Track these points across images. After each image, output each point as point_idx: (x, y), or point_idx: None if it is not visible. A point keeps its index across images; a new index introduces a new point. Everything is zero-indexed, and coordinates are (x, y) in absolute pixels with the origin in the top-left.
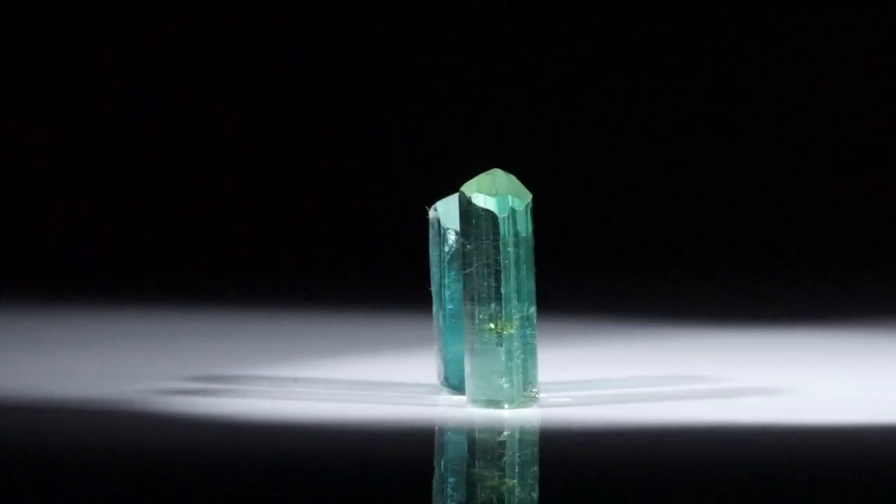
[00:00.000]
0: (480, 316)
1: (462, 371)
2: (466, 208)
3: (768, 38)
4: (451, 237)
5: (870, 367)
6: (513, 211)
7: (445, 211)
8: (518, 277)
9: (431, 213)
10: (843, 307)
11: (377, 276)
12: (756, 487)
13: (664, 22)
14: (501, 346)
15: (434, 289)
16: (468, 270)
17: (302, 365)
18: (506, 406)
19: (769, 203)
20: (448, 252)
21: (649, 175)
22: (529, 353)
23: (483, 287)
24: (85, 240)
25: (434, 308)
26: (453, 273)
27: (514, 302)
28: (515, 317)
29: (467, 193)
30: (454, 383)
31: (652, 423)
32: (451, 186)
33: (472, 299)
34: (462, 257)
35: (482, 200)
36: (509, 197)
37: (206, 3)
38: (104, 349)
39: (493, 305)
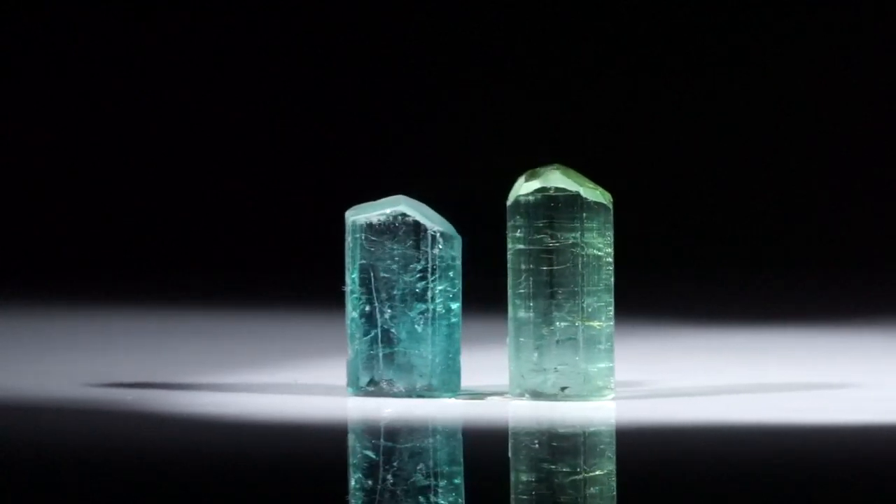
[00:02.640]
0: (588, 310)
1: (447, 373)
2: (564, 204)
3: (768, 38)
4: (438, 237)
5: (870, 366)
6: (612, 203)
7: (423, 214)
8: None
9: (380, 216)
10: (843, 307)
11: None
12: (756, 487)
13: (663, 22)
14: (602, 338)
15: (360, 292)
16: (564, 266)
17: (306, 365)
18: (610, 396)
19: (769, 203)
20: (440, 254)
21: (649, 174)
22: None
23: (593, 280)
24: (83, 240)
25: (360, 312)
26: (447, 274)
27: (612, 294)
28: (611, 309)
29: (570, 188)
30: (432, 384)
31: (650, 422)
32: (435, 189)
33: (570, 294)
34: (547, 254)
35: (591, 194)
36: (601, 191)
37: (206, 2)
38: (102, 349)
39: (600, 298)
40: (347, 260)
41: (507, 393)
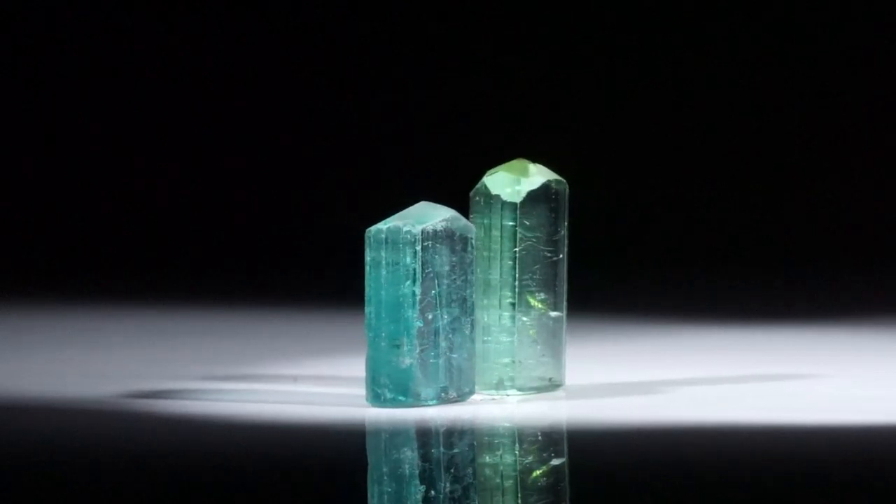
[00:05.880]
0: (566, 300)
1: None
2: (562, 196)
3: (769, 38)
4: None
5: (871, 365)
6: None
7: (456, 217)
8: None
9: (441, 224)
10: (842, 307)
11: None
12: (755, 487)
13: (661, 21)
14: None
15: (430, 301)
16: (559, 257)
17: (313, 365)
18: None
19: (769, 203)
20: (471, 254)
21: (652, 174)
22: None
23: (565, 270)
24: (80, 239)
25: (423, 321)
26: (472, 275)
27: None
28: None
29: (565, 182)
30: (472, 389)
31: (649, 422)
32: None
33: (564, 284)
34: (551, 246)
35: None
36: None
37: (205, 2)
38: (100, 349)
39: (565, 288)
40: (405, 270)
41: (506, 391)
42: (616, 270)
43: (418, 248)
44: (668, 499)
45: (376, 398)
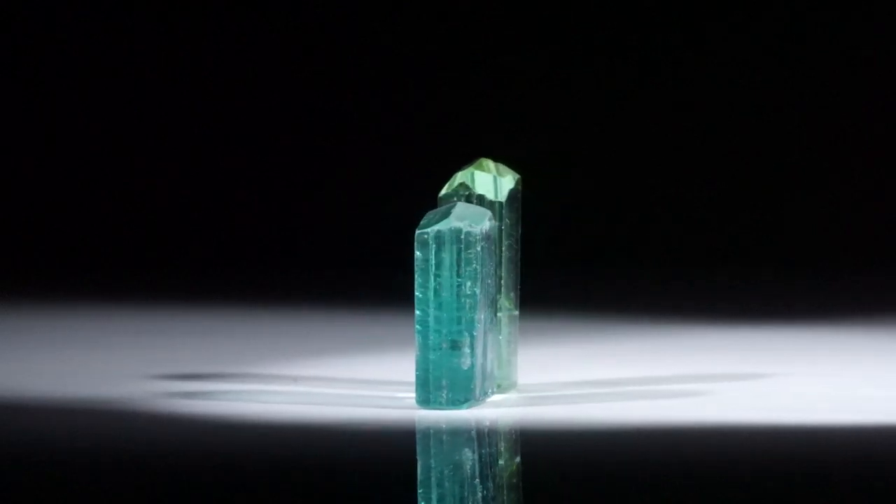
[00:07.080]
0: (517, 300)
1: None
2: (520, 193)
3: (768, 38)
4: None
5: (871, 365)
6: None
7: (490, 216)
8: None
9: (486, 225)
10: (843, 307)
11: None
12: (753, 488)
13: (661, 21)
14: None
15: (482, 301)
16: (519, 256)
17: (313, 365)
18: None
19: (769, 203)
20: (494, 254)
21: (652, 174)
22: None
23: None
24: (80, 239)
25: (489, 320)
26: (495, 275)
27: None
28: None
29: (520, 179)
30: (493, 389)
31: (649, 422)
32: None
33: (520, 285)
34: (517, 243)
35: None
36: None
37: (205, 2)
38: (99, 349)
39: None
40: (469, 271)
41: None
42: (616, 270)
43: (479, 248)
44: (668, 499)
45: (434, 401)
